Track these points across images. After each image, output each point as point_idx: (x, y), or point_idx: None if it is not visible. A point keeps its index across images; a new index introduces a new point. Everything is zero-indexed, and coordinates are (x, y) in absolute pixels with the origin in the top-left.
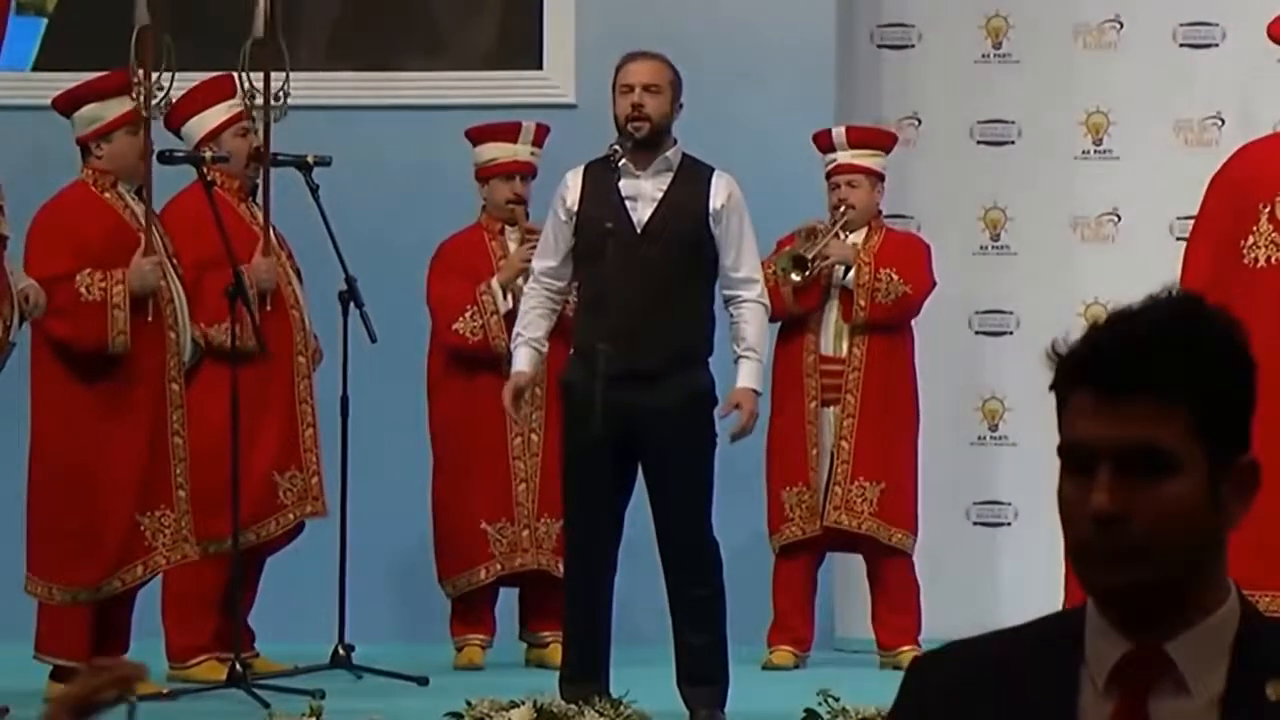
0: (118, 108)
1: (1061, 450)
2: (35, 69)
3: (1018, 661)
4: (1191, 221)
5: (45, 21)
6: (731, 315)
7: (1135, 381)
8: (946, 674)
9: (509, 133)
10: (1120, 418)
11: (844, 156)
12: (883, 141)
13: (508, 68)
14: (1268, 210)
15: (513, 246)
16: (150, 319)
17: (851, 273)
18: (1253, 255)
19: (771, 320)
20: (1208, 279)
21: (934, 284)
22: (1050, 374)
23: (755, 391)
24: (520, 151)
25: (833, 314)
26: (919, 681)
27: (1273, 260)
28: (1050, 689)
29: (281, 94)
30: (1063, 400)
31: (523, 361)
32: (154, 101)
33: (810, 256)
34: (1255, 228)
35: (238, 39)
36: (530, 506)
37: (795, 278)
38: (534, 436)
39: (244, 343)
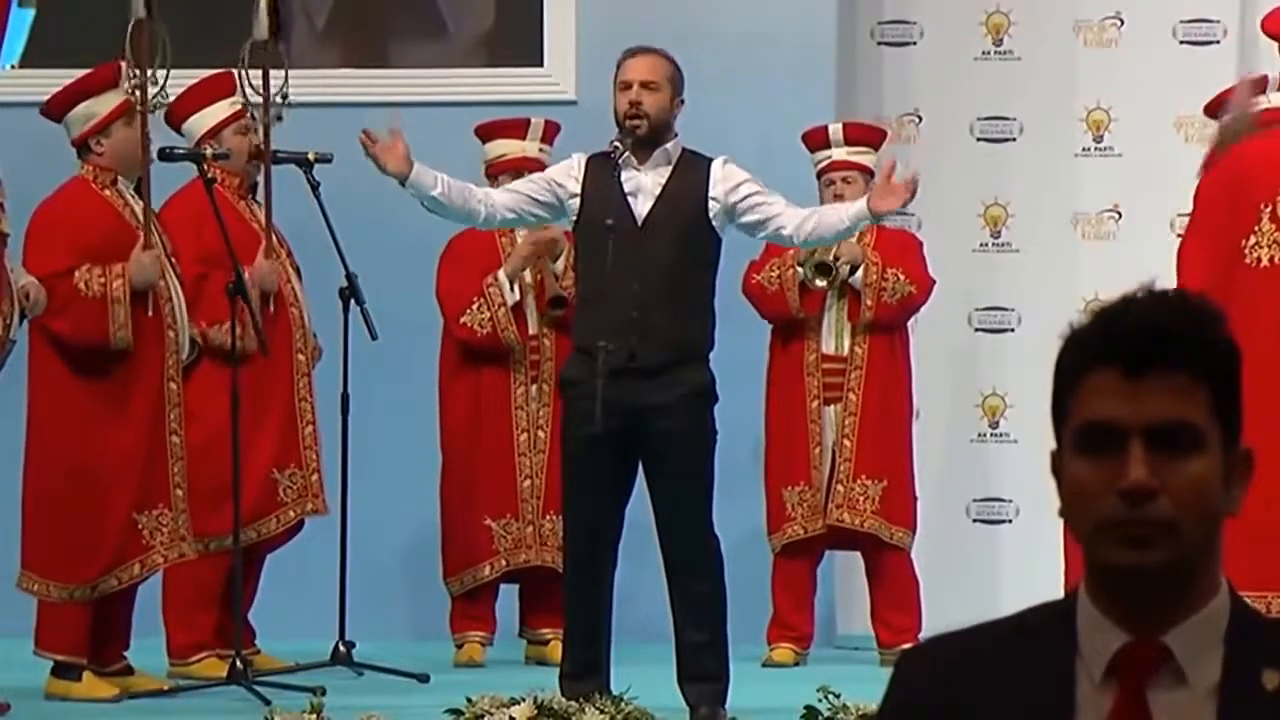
0: (111, 101)
1: (1079, 430)
2: (22, 63)
3: (1010, 654)
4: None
5: (33, 13)
6: (808, 218)
7: (1164, 358)
8: (938, 667)
9: (517, 129)
10: (1151, 394)
11: (839, 153)
12: (875, 138)
13: (508, 64)
14: (1269, 210)
15: (520, 242)
16: (151, 314)
17: (859, 272)
18: (1255, 255)
19: (776, 322)
20: (1207, 278)
21: (933, 282)
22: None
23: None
24: (529, 148)
25: (833, 313)
26: (910, 675)
27: (1276, 260)
28: (1045, 681)
29: (281, 97)
30: (1075, 381)
31: (427, 172)
32: (150, 95)
33: (831, 260)
34: (1257, 227)
35: (237, 36)
36: (535, 503)
37: (821, 283)
38: (540, 433)
39: (245, 343)
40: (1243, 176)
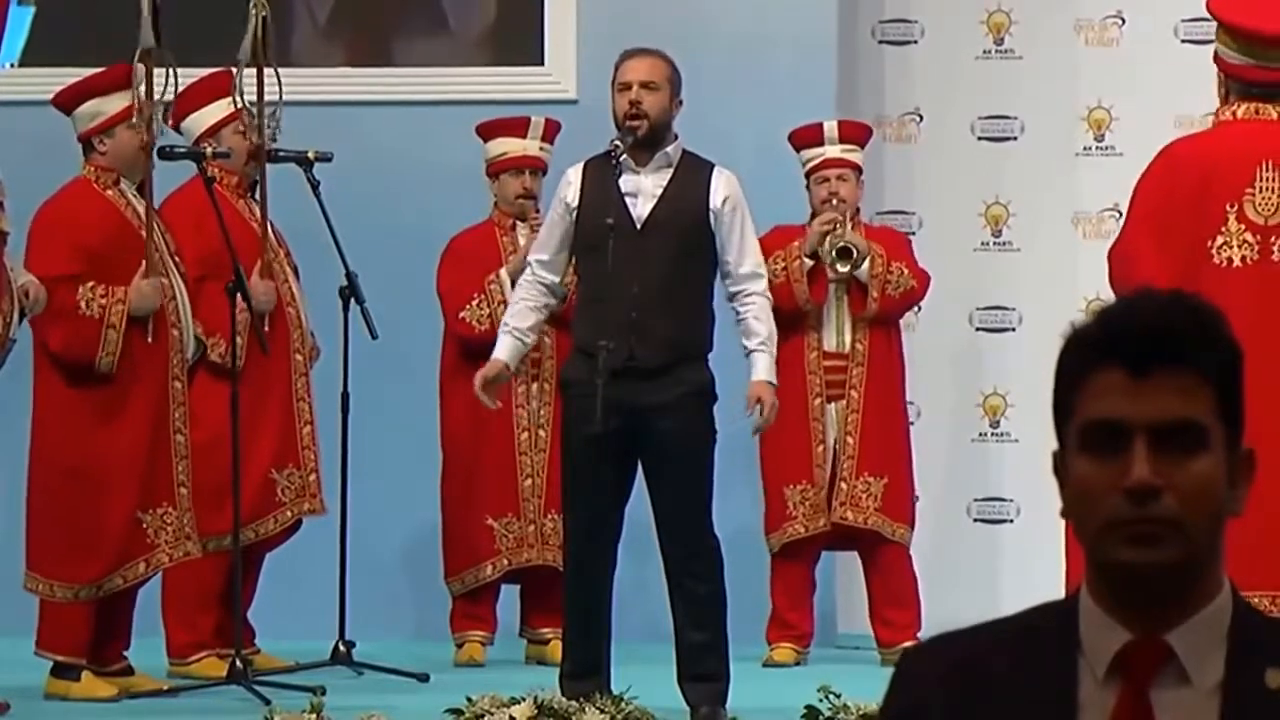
0: (118, 103)
1: (1084, 429)
2: (23, 61)
3: (1012, 653)
4: None
5: (32, 10)
6: (738, 311)
7: (1169, 357)
8: (940, 666)
9: (518, 128)
10: (1156, 393)
11: (833, 151)
12: (863, 135)
13: (509, 63)
14: (1235, 209)
15: (523, 242)
16: (151, 338)
17: (865, 264)
18: (1224, 255)
19: (781, 315)
20: (1166, 276)
21: (929, 277)
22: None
23: (772, 384)
24: (530, 146)
25: (834, 309)
26: (912, 674)
27: (1247, 260)
28: (1048, 680)
29: (274, 119)
30: (1079, 380)
31: (502, 350)
32: (158, 111)
33: (850, 243)
34: (1224, 227)
35: (237, 35)
36: (536, 502)
37: (844, 268)
38: (541, 433)
39: (243, 353)
40: (1206, 175)
